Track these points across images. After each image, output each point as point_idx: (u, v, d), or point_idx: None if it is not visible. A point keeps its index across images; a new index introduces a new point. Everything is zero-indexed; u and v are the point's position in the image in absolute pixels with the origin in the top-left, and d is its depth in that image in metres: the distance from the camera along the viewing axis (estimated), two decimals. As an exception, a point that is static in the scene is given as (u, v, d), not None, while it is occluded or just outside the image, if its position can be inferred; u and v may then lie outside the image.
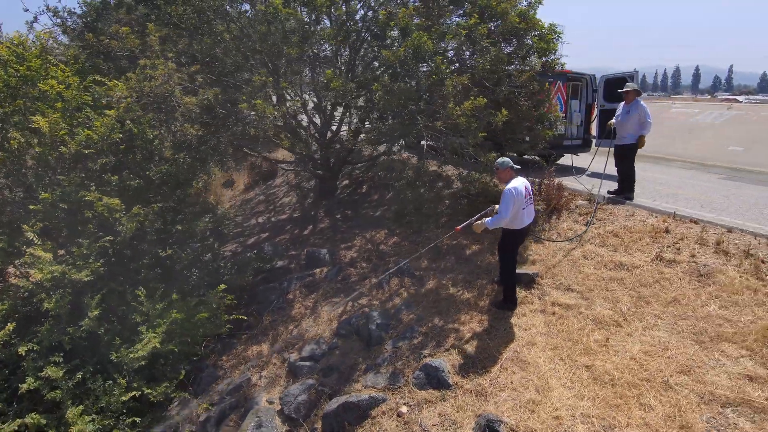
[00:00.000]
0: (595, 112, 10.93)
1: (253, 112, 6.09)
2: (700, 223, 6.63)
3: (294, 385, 5.85)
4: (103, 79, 6.12)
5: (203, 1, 6.30)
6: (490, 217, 5.59)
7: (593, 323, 5.36)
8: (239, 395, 6.20)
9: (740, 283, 5.22)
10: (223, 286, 6.29)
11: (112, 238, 5.55)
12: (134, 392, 5.31)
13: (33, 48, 6.15)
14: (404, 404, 5.11)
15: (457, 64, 6.78)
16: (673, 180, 10.15)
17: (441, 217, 9.11)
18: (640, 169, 9.09)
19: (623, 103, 8.24)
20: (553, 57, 7.64)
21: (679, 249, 6.12)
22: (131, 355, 5.06)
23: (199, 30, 6.42)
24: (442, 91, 6.25)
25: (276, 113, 6.13)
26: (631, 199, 8.09)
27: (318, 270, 8.57)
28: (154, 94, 5.55)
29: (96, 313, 5.25)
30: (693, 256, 5.91)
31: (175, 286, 6.23)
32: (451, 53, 6.67)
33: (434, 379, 5.16)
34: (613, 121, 8.34)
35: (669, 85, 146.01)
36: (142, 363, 5.35)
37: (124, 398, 5.07)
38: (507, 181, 5.60)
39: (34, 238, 5.15)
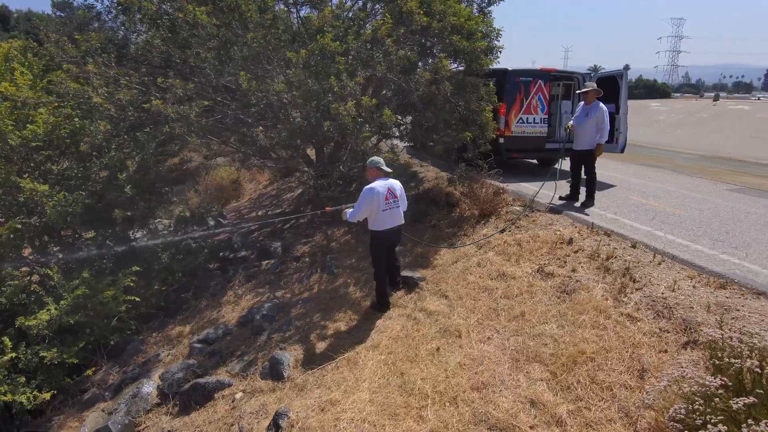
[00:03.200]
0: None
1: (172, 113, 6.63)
2: (612, 236, 6.04)
3: (176, 364, 6.35)
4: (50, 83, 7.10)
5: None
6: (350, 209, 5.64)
7: (440, 332, 5.19)
8: (144, 368, 6.85)
9: (596, 304, 4.74)
10: (136, 268, 6.97)
11: (37, 219, 6.46)
12: (45, 354, 6.10)
13: None
14: (242, 391, 5.39)
15: (361, 67, 6.79)
16: (673, 190, 9.12)
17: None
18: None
19: (582, 103, 7.66)
20: (487, 57, 7.30)
21: (565, 262, 5.66)
22: (28, 323, 5.88)
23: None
24: (342, 91, 6.34)
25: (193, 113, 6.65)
26: (588, 206, 7.52)
27: (265, 262, 9.03)
28: (70, 95, 6.37)
29: (16, 282, 6.16)
30: (574, 270, 5.44)
31: (93, 266, 7.01)
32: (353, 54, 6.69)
33: (274, 371, 5.36)
34: (572, 122, 7.78)
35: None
36: (46, 331, 6.15)
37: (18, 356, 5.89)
38: (372, 180, 5.61)
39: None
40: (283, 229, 11.00)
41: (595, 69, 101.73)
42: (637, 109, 32.83)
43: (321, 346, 5.58)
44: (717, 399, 2.70)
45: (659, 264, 5.17)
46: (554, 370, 4.12)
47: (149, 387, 6.14)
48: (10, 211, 6.46)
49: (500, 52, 8.06)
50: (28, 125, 6.76)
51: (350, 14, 7.21)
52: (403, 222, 5.74)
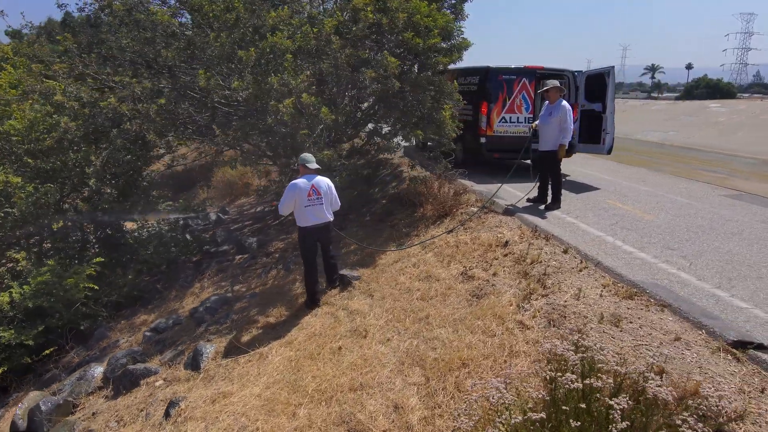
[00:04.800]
0: (578, 112, 9.68)
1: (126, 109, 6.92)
2: (550, 240, 5.76)
3: (122, 351, 6.63)
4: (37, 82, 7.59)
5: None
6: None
7: (350, 331, 5.14)
8: (102, 353, 7.20)
9: (497, 309, 4.53)
10: (99, 259, 7.33)
11: (8, 209, 6.94)
12: (3, 334, 6.55)
13: None
14: (163, 379, 5.57)
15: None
16: (660, 194, 8.57)
17: (365, 216, 9.12)
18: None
19: (546, 102, 7.36)
20: (444, 55, 7.12)
21: (491, 266, 5.44)
22: (-11, 304, 6.34)
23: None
24: (283, 89, 6.41)
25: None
26: (553, 209, 7.22)
27: (239, 257, 9.25)
28: (39, 92, 6.80)
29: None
30: (495, 274, 5.22)
31: (61, 255, 7.44)
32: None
33: (194, 362, 5.50)
34: (536, 122, 7.49)
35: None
36: (11, 312, 6.60)
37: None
38: (299, 177, 5.66)
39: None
40: (270, 225, 11.23)
41: (653, 68, 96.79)
42: (695, 110, 30.90)
43: (244, 339, 5.66)
44: (508, 414, 2.54)
45: (581, 271, 4.88)
46: (430, 375, 3.98)
47: (96, 371, 6.43)
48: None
49: (464, 50, 7.84)
50: (8, 121, 7.28)
51: (306, 13, 7.23)
52: (328, 219, 5.73)
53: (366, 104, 7.36)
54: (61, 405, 5.71)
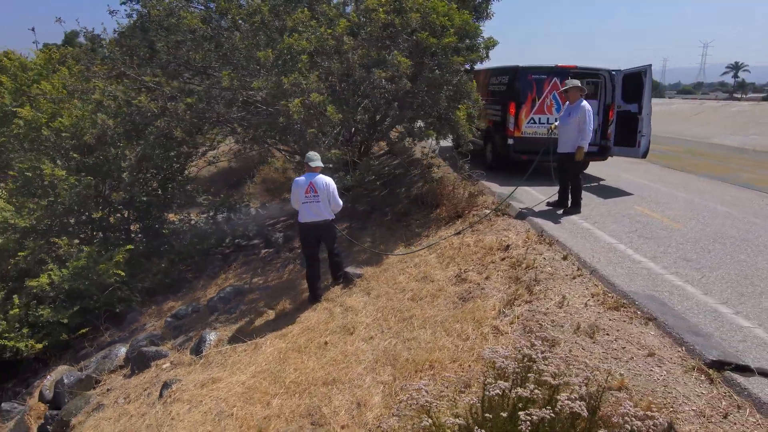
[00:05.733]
0: (614, 113, 9.20)
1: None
2: (553, 246, 5.55)
3: (143, 334, 7.10)
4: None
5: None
6: None
7: (340, 327, 5.23)
8: (130, 335, 7.74)
9: (479, 314, 4.43)
10: (129, 247, 7.88)
11: (53, 199, 7.63)
12: (43, 312, 7.22)
13: (35, 58, 8.75)
14: (170, 362, 5.92)
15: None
16: (699, 202, 7.98)
17: (387, 215, 9.17)
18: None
19: (567, 102, 7.09)
20: (460, 55, 7.01)
21: (485, 268, 5.32)
22: (30, 283, 7.00)
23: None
24: (295, 89, 6.61)
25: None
26: (572, 213, 6.95)
27: (264, 251, 9.60)
28: (80, 92, 7.41)
29: (29, 251, 7.37)
30: (488, 278, 5.11)
31: (109, 242, 8.06)
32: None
33: (198, 348, 5.82)
34: (556, 123, 7.24)
35: None
36: (51, 292, 7.26)
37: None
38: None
39: (2, 194, 7.53)
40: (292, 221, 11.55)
41: (736, 66, 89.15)
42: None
43: (245, 329, 5.91)
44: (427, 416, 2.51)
45: (574, 278, 4.67)
46: (398, 374, 3.98)
47: (120, 351, 6.94)
48: (39, 192, 7.75)
49: (489, 48, 7.69)
50: (58, 118, 8.00)
51: (327, 14, 7.38)
52: (326, 218, 5.82)
53: (381, 104, 7.37)
54: (83, 380, 6.21)
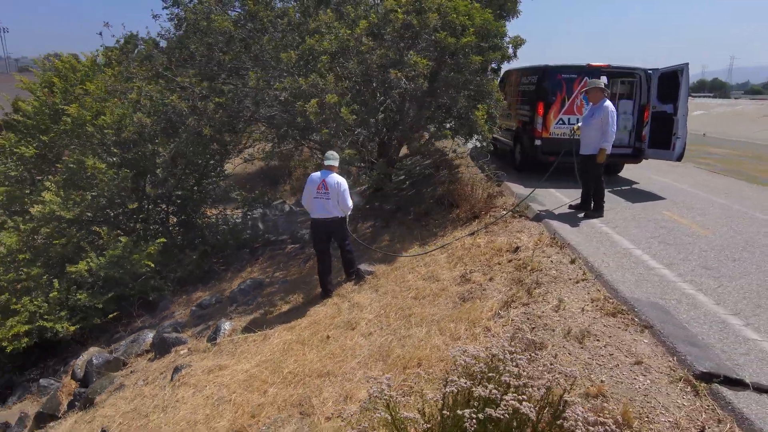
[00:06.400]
0: (649, 114, 8.83)
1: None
2: (564, 249, 5.42)
3: (168, 321, 7.48)
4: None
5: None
6: None
7: (343, 322, 5.33)
8: (160, 322, 8.17)
9: (475, 314, 4.40)
10: (161, 240, 8.32)
11: (95, 193, 8.19)
12: (80, 297, 7.75)
13: (85, 60, 9.39)
14: (188, 348, 6.22)
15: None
16: (737, 209, 7.54)
17: (410, 214, 9.21)
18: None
19: (591, 103, 6.90)
20: (478, 54, 6.94)
21: (491, 269, 5.27)
22: (69, 269, 7.54)
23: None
24: (312, 90, 6.78)
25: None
26: (594, 217, 6.76)
27: (290, 246, 9.86)
28: (119, 92, 7.88)
29: (70, 239, 7.93)
30: (491, 279, 5.06)
31: (149, 232, 8.56)
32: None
33: (214, 336, 6.10)
34: (579, 124, 7.06)
35: None
36: (90, 279, 7.79)
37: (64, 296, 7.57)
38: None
39: (50, 186, 8.15)
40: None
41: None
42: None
43: (258, 320, 6.12)
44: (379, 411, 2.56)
45: (577, 282, 4.55)
46: (387, 370, 4.02)
47: (147, 336, 7.35)
48: (83, 184, 8.34)
49: (516, 47, 7.57)
50: (101, 116, 8.56)
51: (350, 15, 7.50)
52: (334, 215, 5.92)
53: (400, 104, 7.42)
54: (111, 361, 6.62)
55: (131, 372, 6.37)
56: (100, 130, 8.56)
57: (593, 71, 8.71)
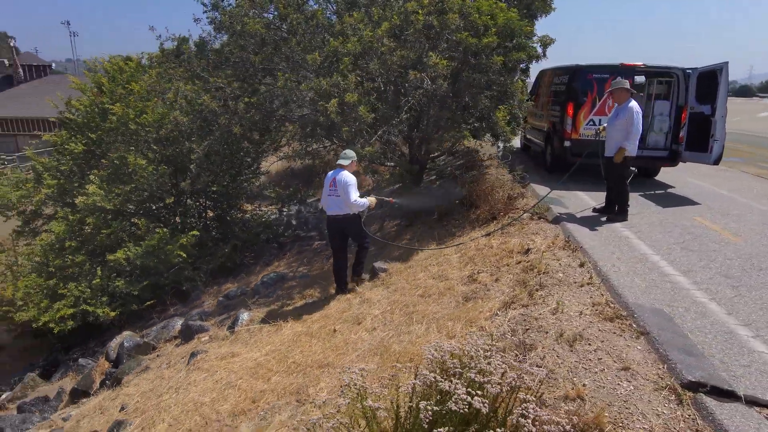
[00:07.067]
0: (686, 115, 8.45)
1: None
2: (576, 252, 5.32)
3: (196, 310, 7.87)
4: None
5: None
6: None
7: (352, 317, 5.46)
8: (190, 310, 8.61)
9: (473, 314, 4.41)
10: (194, 232, 8.75)
11: (134, 185, 8.73)
12: (118, 284, 8.29)
13: (130, 63, 9.99)
14: (209, 335, 6.54)
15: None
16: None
17: (433, 214, 9.24)
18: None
19: (616, 104, 6.72)
20: (500, 55, 6.88)
21: (498, 270, 5.25)
22: (109, 257, 8.09)
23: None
24: (333, 90, 6.96)
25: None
26: (616, 221, 6.58)
27: (317, 242, 10.11)
28: (158, 92, 8.34)
29: (111, 229, 8.50)
30: (497, 280, 5.04)
31: (188, 225, 9.05)
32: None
33: (233, 325, 6.38)
34: (604, 125, 6.89)
35: None
36: (127, 267, 8.32)
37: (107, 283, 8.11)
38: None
39: (95, 179, 8.76)
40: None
41: None
42: None
43: (275, 312, 6.36)
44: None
45: (582, 286, 4.46)
46: (381, 364, 4.13)
47: (177, 323, 7.76)
48: (126, 179, 8.92)
49: (545, 47, 7.47)
50: (143, 114, 9.11)
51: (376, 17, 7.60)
52: (341, 213, 6.00)
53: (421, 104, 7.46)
54: (141, 345, 7.06)
55: (157, 356, 6.77)
56: (142, 128, 9.10)
57: (627, 70, 8.43)
